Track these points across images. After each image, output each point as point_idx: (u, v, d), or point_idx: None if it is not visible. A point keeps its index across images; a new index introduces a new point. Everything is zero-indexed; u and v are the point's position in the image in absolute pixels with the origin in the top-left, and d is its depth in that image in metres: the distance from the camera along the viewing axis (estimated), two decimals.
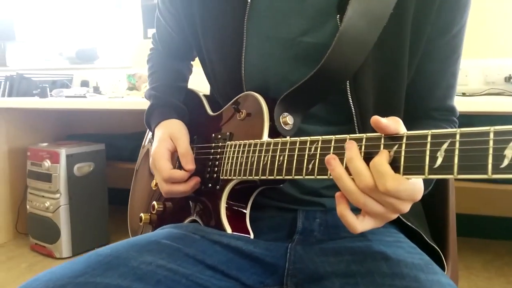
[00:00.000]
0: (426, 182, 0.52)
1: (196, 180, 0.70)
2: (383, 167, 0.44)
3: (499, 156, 0.36)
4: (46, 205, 2.06)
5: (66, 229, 2.06)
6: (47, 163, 2.05)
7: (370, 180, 0.45)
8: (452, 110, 0.71)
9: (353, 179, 0.47)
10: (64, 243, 2.06)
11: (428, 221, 0.75)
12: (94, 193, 2.19)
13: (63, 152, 2.04)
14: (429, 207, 0.76)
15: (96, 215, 2.20)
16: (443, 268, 0.66)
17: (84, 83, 2.83)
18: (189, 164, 0.69)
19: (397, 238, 0.65)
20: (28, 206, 2.14)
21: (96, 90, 2.59)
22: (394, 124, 0.45)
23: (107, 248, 0.56)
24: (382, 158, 0.44)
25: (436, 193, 0.77)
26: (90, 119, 2.67)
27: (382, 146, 0.46)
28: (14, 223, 2.26)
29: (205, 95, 0.85)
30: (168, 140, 0.73)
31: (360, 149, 0.48)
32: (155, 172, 0.73)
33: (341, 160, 0.49)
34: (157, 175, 0.72)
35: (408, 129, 0.47)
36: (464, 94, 1.87)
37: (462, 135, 0.40)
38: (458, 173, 0.39)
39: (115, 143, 2.39)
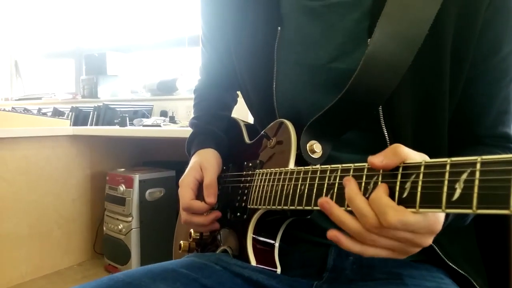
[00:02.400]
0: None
1: (215, 214, 0.69)
2: (382, 200, 0.39)
3: None
4: (120, 227, 2.16)
5: (136, 251, 2.14)
6: (122, 188, 2.17)
7: (375, 219, 0.40)
8: (507, 137, 0.62)
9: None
10: (134, 266, 2.14)
11: (487, 263, 0.66)
12: (164, 217, 2.26)
13: (136, 178, 2.14)
14: (488, 248, 0.66)
15: (165, 239, 2.26)
16: None
17: (163, 113, 3.00)
18: (211, 197, 0.69)
19: (438, 284, 0.57)
20: (104, 228, 2.27)
21: (172, 119, 2.72)
22: (393, 159, 0.41)
23: (122, 273, 0.56)
24: (379, 192, 0.40)
25: (495, 230, 0.67)
26: (164, 147, 2.80)
27: (399, 176, 0.41)
28: (93, 243, 2.40)
29: (246, 124, 0.85)
30: (197, 169, 0.73)
31: (377, 180, 0.43)
32: (180, 199, 0.73)
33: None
34: (180, 203, 0.72)
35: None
36: None
37: (484, 164, 0.34)
38: (478, 208, 0.33)
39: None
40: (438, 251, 0.60)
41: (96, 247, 2.41)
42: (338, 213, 0.44)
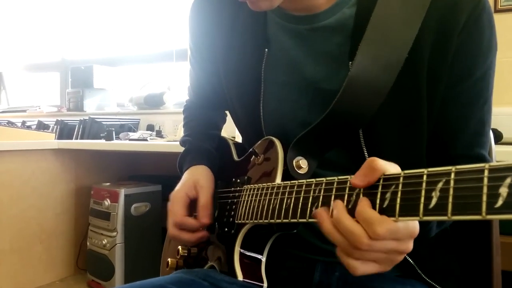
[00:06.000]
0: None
1: (203, 234, 0.71)
2: (367, 213, 0.41)
3: (493, 195, 0.33)
4: (104, 242, 2.14)
5: (120, 267, 2.12)
6: (107, 202, 2.15)
7: (364, 235, 0.42)
8: (482, 159, 0.64)
9: None
10: (118, 281, 2.11)
11: (469, 282, 0.68)
12: (149, 232, 2.25)
13: (122, 192, 2.13)
14: (470, 266, 0.69)
15: (150, 255, 2.24)
16: None
17: (150, 127, 2.99)
18: (206, 218, 0.70)
19: None
20: (88, 243, 2.24)
21: (159, 134, 2.72)
22: (374, 175, 0.44)
23: None
24: (363, 205, 0.43)
25: (477, 250, 0.70)
26: (150, 161, 2.80)
27: (380, 187, 0.43)
28: (75, 259, 2.37)
29: (234, 142, 0.87)
30: (191, 186, 0.74)
31: (359, 192, 0.45)
32: (169, 213, 0.73)
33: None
34: (170, 217, 0.72)
35: None
36: None
37: (458, 173, 0.36)
38: (452, 214, 0.36)
39: (172, 184, 2.45)
40: (417, 268, 0.62)
41: (79, 263, 2.37)
42: (328, 227, 0.46)
